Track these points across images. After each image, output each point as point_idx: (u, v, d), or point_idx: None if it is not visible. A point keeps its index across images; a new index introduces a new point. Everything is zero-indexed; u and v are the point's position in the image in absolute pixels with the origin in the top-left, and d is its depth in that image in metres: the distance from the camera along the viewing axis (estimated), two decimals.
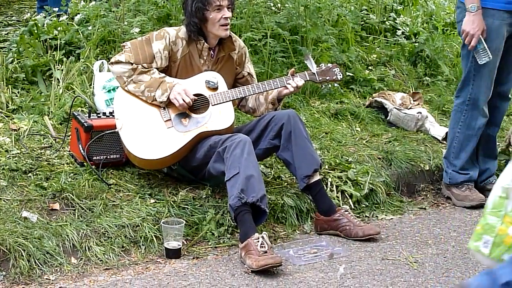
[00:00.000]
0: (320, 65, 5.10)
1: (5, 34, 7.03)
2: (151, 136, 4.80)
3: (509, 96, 5.55)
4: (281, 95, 5.02)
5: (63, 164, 5.03)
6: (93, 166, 4.96)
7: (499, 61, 5.25)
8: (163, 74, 4.86)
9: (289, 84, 4.92)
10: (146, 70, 4.83)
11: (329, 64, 5.12)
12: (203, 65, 4.96)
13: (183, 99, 4.76)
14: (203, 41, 4.93)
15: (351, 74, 6.82)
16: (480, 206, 5.44)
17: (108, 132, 5.02)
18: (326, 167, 5.43)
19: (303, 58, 5.79)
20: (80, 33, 6.44)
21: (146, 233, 4.56)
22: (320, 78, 5.05)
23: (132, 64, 4.83)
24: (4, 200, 4.59)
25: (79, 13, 6.87)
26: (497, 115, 5.50)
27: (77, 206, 4.64)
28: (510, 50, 5.29)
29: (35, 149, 5.19)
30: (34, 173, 4.88)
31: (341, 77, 5.11)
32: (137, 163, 4.91)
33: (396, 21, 7.81)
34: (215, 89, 4.88)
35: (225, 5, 4.88)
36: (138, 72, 4.83)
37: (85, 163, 4.98)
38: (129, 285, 4.20)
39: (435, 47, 7.38)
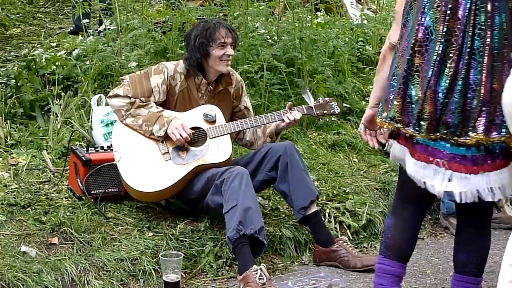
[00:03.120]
0: (318, 99, 5.15)
1: (3, 69, 7.07)
2: (148, 168, 4.82)
3: None
4: (279, 129, 5.06)
5: (62, 198, 5.04)
6: (92, 200, 4.98)
7: None
8: (160, 108, 4.89)
9: (287, 117, 4.96)
10: (144, 104, 4.87)
11: (327, 98, 5.17)
12: (201, 99, 4.99)
13: (180, 134, 4.79)
14: (201, 76, 4.96)
15: (348, 105, 6.86)
16: None
17: (106, 164, 5.04)
18: (324, 198, 5.45)
19: (301, 91, 5.83)
20: (78, 68, 6.48)
21: (144, 266, 4.56)
22: (318, 112, 5.09)
23: (130, 98, 4.86)
24: (3, 235, 4.59)
25: (76, 48, 6.92)
26: None
27: (76, 240, 4.64)
28: None
29: (33, 184, 5.21)
30: (33, 208, 4.89)
31: (338, 110, 5.15)
32: (135, 196, 4.92)
33: None
34: (213, 122, 4.91)
35: (228, 42, 4.92)
36: (136, 106, 4.86)
37: (83, 197, 5.00)
38: None
39: None
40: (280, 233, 5.02)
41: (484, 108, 3.38)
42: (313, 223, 4.87)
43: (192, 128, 4.86)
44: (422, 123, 3.46)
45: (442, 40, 3.39)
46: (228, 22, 5.67)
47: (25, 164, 5.43)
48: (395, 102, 3.52)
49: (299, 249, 5.05)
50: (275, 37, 7.28)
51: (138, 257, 4.60)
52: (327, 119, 5.18)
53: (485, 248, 3.77)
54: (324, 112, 5.10)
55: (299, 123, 6.37)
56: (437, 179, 3.52)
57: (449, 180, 3.50)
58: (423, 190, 3.58)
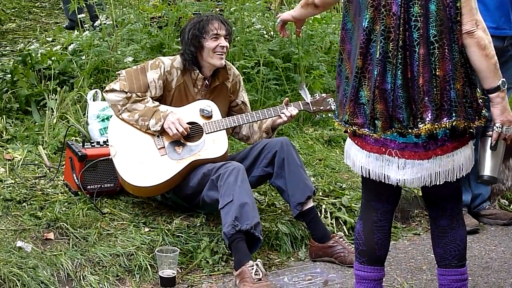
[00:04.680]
0: (314, 95, 5.14)
1: None
2: (144, 163, 4.81)
3: None
4: (275, 124, 5.05)
5: (58, 194, 5.04)
6: (87, 195, 4.97)
7: None
8: (157, 103, 4.88)
9: (283, 113, 4.95)
10: (140, 99, 4.86)
11: (323, 94, 5.16)
12: (197, 94, 4.98)
13: (176, 129, 4.78)
14: (197, 71, 4.96)
15: None
16: (474, 231, 5.46)
17: (101, 159, 5.03)
18: (320, 193, 5.44)
19: (298, 87, 5.82)
20: (74, 63, 6.47)
21: (140, 261, 4.56)
22: (314, 108, 5.08)
23: (126, 92, 4.85)
24: None
25: (72, 43, 6.90)
26: None
27: (72, 236, 4.64)
28: None
29: (29, 179, 5.20)
30: (29, 203, 4.88)
31: (335, 107, 5.14)
32: (131, 190, 4.91)
33: None
34: (209, 117, 4.90)
35: (222, 34, 4.92)
36: (132, 100, 4.85)
37: (79, 192, 4.99)
38: None
39: None
40: (276, 229, 5.02)
41: (426, 98, 3.44)
42: (309, 219, 4.86)
43: (188, 123, 4.85)
44: (376, 122, 3.52)
45: (381, 39, 3.46)
46: (224, 17, 5.66)
47: (21, 159, 5.42)
48: (347, 106, 3.59)
49: (295, 245, 5.05)
50: (272, 33, 7.27)
51: (134, 253, 4.60)
52: (324, 115, 5.18)
53: (459, 238, 3.76)
54: (321, 108, 5.09)
55: (295, 119, 6.37)
56: (391, 169, 3.59)
57: (403, 168, 3.57)
58: (385, 183, 3.63)
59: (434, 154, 3.54)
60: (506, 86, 3.54)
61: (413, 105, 3.46)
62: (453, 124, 3.46)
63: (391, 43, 3.44)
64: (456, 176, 3.60)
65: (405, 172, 3.57)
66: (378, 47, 3.46)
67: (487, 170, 3.63)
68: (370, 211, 3.78)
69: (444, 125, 3.46)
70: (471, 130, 3.59)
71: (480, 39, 3.45)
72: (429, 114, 3.45)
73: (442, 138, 3.52)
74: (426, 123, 3.45)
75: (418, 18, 3.41)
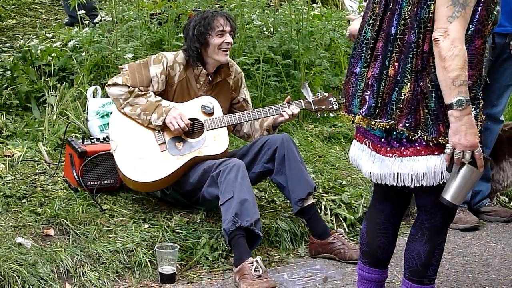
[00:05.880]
0: (317, 94, 5.13)
1: None
2: (145, 158, 4.81)
3: (501, 118, 5.57)
4: (276, 123, 5.05)
5: (57, 190, 5.03)
6: (87, 192, 4.96)
7: (491, 84, 5.26)
8: (159, 98, 4.88)
9: (285, 112, 4.95)
10: (143, 93, 4.86)
11: (325, 93, 5.16)
12: (199, 89, 4.98)
13: (178, 124, 4.78)
14: (201, 67, 4.96)
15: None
16: (474, 228, 5.46)
17: (101, 154, 5.02)
18: (320, 190, 5.44)
19: (300, 86, 5.82)
20: (74, 59, 6.47)
21: (140, 258, 4.56)
22: (316, 107, 5.08)
23: (129, 87, 4.85)
24: None
25: (72, 39, 6.90)
26: (489, 137, 5.51)
27: (71, 232, 4.64)
28: (498, 73, 5.29)
29: (29, 175, 5.20)
30: (28, 199, 4.88)
31: (337, 106, 5.13)
32: (131, 185, 4.91)
33: None
34: (211, 114, 4.90)
35: (227, 30, 4.92)
36: (135, 95, 4.85)
37: (79, 189, 4.99)
38: None
39: None
40: (276, 226, 5.02)
41: (368, 92, 3.40)
42: (310, 215, 4.86)
43: (189, 119, 4.85)
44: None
45: (366, 24, 3.47)
46: None
47: (21, 155, 5.42)
48: (345, 80, 3.61)
49: (295, 242, 5.05)
50: (272, 29, 7.27)
51: (133, 249, 4.59)
52: (325, 114, 5.18)
53: (415, 252, 3.61)
54: (323, 107, 5.09)
55: None
56: (364, 159, 3.55)
57: (372, 162, 3.51)
58: (393, 186, 3.50)
59: (397, 153, 3.41)
60: (463, 107, 3.21)
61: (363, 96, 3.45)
62: (385, 125, 3.36)
63: (372, 31, 3.43)
64: (415, 183, 3.40)
65: (372, 166, 3.50)
66: (363, 31, 3.47)
67: (447, 193, 3.36)
68: (375, 212, 3.75)
69: (379, 125, 3.38)
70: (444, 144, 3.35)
71: (442, 50, 3.20)
72: (365, 108, 3.41)
73: (405, 139, 3.38)
74: (359, 114, 3.43)
75: (388, 12, 3.37)
